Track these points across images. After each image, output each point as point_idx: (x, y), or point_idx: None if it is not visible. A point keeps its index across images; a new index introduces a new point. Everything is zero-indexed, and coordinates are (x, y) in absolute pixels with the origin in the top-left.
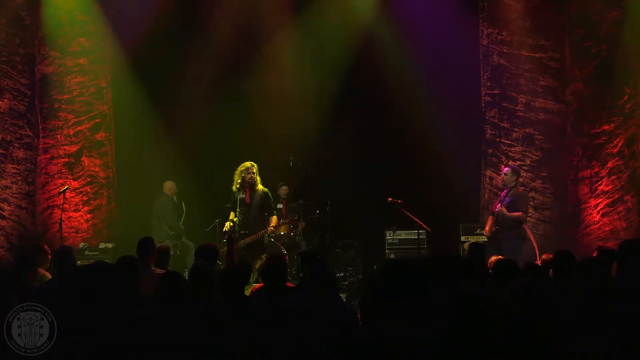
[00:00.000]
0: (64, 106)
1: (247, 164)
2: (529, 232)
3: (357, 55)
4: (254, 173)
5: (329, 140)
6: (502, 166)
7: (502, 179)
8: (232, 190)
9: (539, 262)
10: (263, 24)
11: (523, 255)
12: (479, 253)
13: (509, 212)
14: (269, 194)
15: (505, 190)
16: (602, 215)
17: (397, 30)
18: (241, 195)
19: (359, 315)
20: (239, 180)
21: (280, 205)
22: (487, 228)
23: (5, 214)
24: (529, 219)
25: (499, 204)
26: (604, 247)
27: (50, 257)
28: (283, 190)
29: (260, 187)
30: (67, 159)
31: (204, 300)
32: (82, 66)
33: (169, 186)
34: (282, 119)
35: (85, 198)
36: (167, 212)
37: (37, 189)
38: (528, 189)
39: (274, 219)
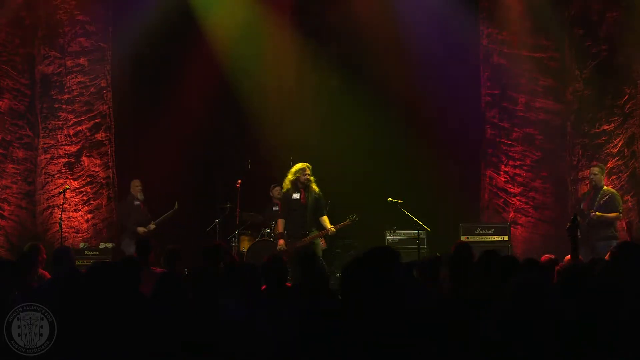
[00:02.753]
0: (64, 106)
1: (302, 164)
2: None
3: (357, 55)
4: (309, 174)
5: (329, 140)
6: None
7: (592, 179)
8: (282, 192)
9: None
10: (263, 24)
11: None
12: (465, 253)
13: (604, 212)
14: (321, 194)
15: (594, 191)
16: None
17: (397, 30)
18: (295, 196)
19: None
20: (293, 179)
21: (276, 208)
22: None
23: (5, 214)
24: (529, 219)
25: (591, 210)
26: None
27: (45, 256)
28: (276, 191)
29: (315, 187)
30: (67, 159)
31: (203, 300)
32: (82, 66)
33: (132, 185)
34: (282, 119)
35: (85, 198)
36: (122, 213)
37: (37, 189)
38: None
39: (325, 220)
